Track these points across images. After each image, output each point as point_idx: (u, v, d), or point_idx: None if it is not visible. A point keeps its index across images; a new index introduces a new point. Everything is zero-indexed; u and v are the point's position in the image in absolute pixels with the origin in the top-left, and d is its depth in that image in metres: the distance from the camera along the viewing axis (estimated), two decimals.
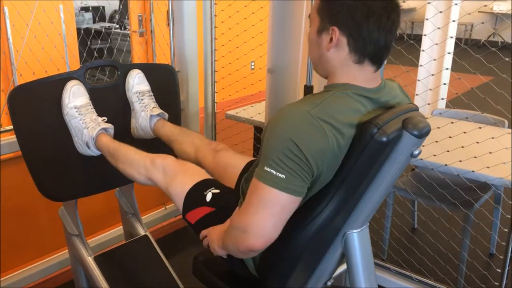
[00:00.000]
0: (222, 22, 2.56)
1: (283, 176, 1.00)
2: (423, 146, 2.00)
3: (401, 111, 1.11)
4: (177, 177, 1.39)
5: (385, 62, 1.18)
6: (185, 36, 2.48)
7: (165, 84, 1.94)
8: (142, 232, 2.05)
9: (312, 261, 1.22)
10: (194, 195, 1.35)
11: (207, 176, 1.41)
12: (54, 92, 1.62)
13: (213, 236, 1.25)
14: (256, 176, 1.04)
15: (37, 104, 1.61)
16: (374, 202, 1.17)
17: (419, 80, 2.92)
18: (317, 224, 1.11)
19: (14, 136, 2.03)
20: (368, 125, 1.04)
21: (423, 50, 3.10)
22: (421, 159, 1.99)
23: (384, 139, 1.03)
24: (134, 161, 1.48)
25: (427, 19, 3.09)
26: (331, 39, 1.08)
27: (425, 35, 2.98)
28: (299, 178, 1.00)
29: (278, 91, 2.04)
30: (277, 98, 2.05)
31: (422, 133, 1.06)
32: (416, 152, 1.10)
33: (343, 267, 1.34)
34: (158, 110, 1.77)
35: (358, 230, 1.18)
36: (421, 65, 2.90)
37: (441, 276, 2.18)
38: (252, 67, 4.39)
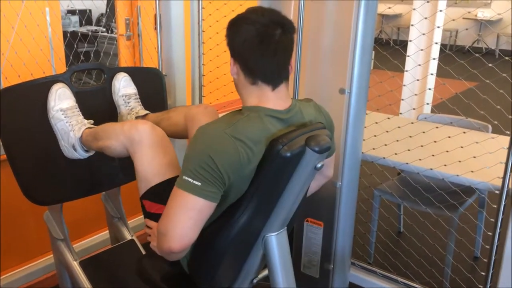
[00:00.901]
0: (210, 26, 2.56)
1: (199, 183, 1.14)
2: (408, 150, 2.03)
3: (307, 129, 1.26)
4: (149, 151, 1.40)
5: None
6: (172, 40, 2.48)
7: (152, 87, 1.94)
8: (128, 236, 2.04)
9: (238, 261, 1.37)
10: (161, 191, 1.37)
11: (177, 169, 1.43)
12: (39, 95, 1.60)
13: (155, 231, 1.32)
14: (176, 185, 1.17)
15: (22, 107, 1.59)
16: (288, 208, 1.33)
17: (404, 85, 2.95)
18: (237, 228, 1.25)
19: None
20: (275, 143, 1.19)
21: (408, 56, 3.14)
22: (407, 163, 2.01)
23: (288, 154, 1.18)
24: (113, 130, 1.50)
25: (412, 25, 3.12)
26: (232, 68, 1.27)
27: (410, 40, 3.01)
28: (213, 185, 1.15)
29: None
30: None
31: (322, 149, 1.22)
32: (319, 165, 1.27)
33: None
34: (144, 112, 1.77)
35: (276, 233, 1.34)
36: (406, 71, 2.93)
37: (426, 279, 2.20)
38: None
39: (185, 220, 1.15)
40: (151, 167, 1.40)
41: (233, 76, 1.29)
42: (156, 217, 1.34)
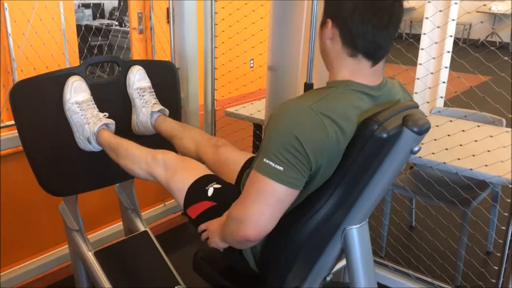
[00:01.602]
0: (223, 19, 2.56)
1: (281, 168, 1.02)
2: (422, 144, 2.02)
3: (402, 108, 1.12)
4: (178, 173, 1.39)
5: (384, 60, 1.19)
6: (185, 34, 2.49)
7: (166, 80, 1.94)
8: (142, 228, 2.06)
9: (312, 256, 1.23)
10: (196, 190, 1.35)
11: (208, 172, 1.42)
12: (55, 88, 1.62)
13: (213, 228, 1.26)
14: (255, 168, 1.06)
15: (38, 99, 1.61)
16: (374, 198, 1.18)
17: (418, 79, 2.93)
18: (317, 220, 1.12)
19: (15, 131, 2.04)
20: (368, 122, 1.05)
21: (422, 49, 3.11)
22: (420, 157, 2.00)
23: (385, 135, 1.03)
24: (135, 157, 1.49)
25: (426, 18, 3.10)
26: (327, 31, 1.12)
27: (424, 33, 2.99)
28: (297, 171, 1.02)
29: (278, 89, 2.05)
30: (277, 95, 2.06)
31: (422, 130, 1.07)
32: (416, 148, 1.11)
33: (343, 262, 1.35)
34: (159, 107, 1.78)
35: (358, 226, 1.19)
36: (420, 64, 2.91)
37: (438, 273, 2.20)
38: (251, 65, 4.40)
39: (264, 207, 1.04)
40: (182, 182, 1.38)
41: (324, 41, 1.13)
42: (204, 217, 1.31)
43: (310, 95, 1.10)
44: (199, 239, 1.32)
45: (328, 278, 1.35)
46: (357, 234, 1.19)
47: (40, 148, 1.63)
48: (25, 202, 2.19)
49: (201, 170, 1.41)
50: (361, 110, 1.09)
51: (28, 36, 2.08)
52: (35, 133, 1.61)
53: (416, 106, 1.20)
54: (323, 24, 1.14)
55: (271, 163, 1.02)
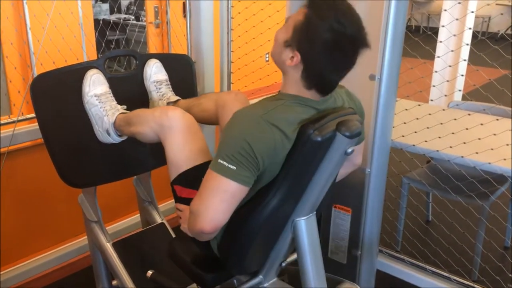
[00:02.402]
0: (239, 13, 2.56)
1: (234, 167, 1.15)
2: (439, 137, 2.01)
3: (338, 114, 1.27)
4: (179, 137, 1.42)
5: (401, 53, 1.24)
6: (201, 27, 2.50)
7: (182, 74, 1.96)
8: (158, 220, 2.08)
9: (267, 244, 1.40)
10: (191, 176, 1.40)
11: (210, 158, 1.44)
12: (74, 81, 1.65)
13: (186, 215, 1.34)
14: (211, 167, 1.19)
15: (58, 92, 1.64)
16: (317, 193, 1.34)
17: (436, 72, 2.90)
18: (267, 211, 1.26)
19: (34, 124, 2.08)
20: (306, 126, 1.19)
21: (440, 42, 3.08)
22: (438, 150, 1.99)
23: (319, 139, 1.19)
24: (145, 116, 1.52)
25: (445, 10, 3.06)
26: (291, 59, 1.21)
27: (442, 26, 2.96)
28: (247, 170, 1.16)
29: None
30: None
31: (353, 134, 1.22)
32: (349, 150, 1.26)
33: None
34: (175, 98, 1.79)
35: (305, 217, 1.36)
36: (438, 57, 2.88)
37: (455, 268, 2.18)
38: (267, 58, 4.39)
39: (218, 202, 1.17)
40: (181, 153, 1.42)
41: (283, 58, 1.23)
42: (186, 201, 1.36)
43: (262, 104, 1.23)
44: None
45: (284, 264, 1.51)
46: (304, 225, 1.36)
47: (60, 140, 1.66)
48: (45, 194, 2.23)
49: (203, 153, 1.43)
50: (304, 119, 1.22)
51: (47, 30, 2.11)
52: (55, 126, 1.64)
53: (353, 112, 1.33)
54: (287, 45, 1.21)
55: (225, 163, 1.16)
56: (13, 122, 2.00)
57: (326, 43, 1.15)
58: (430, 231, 2.52)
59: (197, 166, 1.40)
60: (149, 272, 1.45)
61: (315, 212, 1.40)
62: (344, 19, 1.15)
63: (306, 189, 1.30)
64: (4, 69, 2.33)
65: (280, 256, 1.45)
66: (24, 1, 2.05)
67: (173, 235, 2.03)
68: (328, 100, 1.29)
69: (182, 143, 1.42)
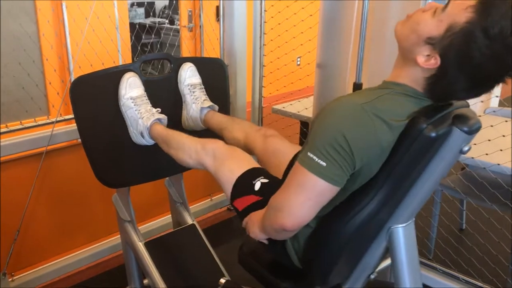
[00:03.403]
0: (272, 17, 2.58)
1: (324, 164, 1.02)
2: (474, 144, 1.96)
3: (451, 107, 1.10)
4: (226, 162, 1.41)
5: None
6: (234, 31, 2.52)
7: (216, 77, 1.98)
8: (189, 221, 2.11)
9: (356, 254, 1.23)
10: (243, 183, 1.37)
11: (256, 165, 1.44)
12: (111, 83, 1.69)
13: (254, 218, 1.29)
14: (299, 160, 1.07)
15: (96, 94, 1.68)
16: (421, 197, 1.16)
17: None
18: (361, 218, 1.12)
19: (71, 125, 2.14)
20: (417, 121, 1.03)
21: None
22: (473, 158, 1.95)
23: (433, 134, 1.02)
24: (185, 146, 1.52)
25: None
26: (428, 58, 1.04)
27: None
28: (339, 168, 1.02)
29: (327, 87, 2.04)
30: (325, 93, 2.06)
31: (472, 130, 1.06)
32: (466, 148, 1.09)
33: (387, 261, 1.34)
34: (209, 103, 1.81)
35: (404, 225, 1.18)
36: None
37: (489, 277, 2.13)
38: (298, 62, 4.39)
39: (303, 200, 1.06)
40: (230, 172, 1.39)
41: (412, 48, 1.05)
42: (250, 210, 1.33)
43: (364, 93, 1.09)
44: (244, 233, 1.34)
45: (372, 277, 1.34)
46: (402, 233, 1.18)
47: (97, 141, 1.70)
48: (81, 193, 2.29)
49: (249, 162, 1.42)
50: (413, 112, 1.07)
51: (85, 34, 2.17)
52: (92, 127, 1.68)
53: (466, 105, 1.17)
54: (428, 43, 1.03)
55: (315, 157, 1.03)
56: (52, 123, 2.06)
57: (481, 70, 0.99)
58: (464, 240, 2.46)
59: (243, 173, 1.38)
60: (222, 281, 1.42)
61: (414, 219, 1.24)
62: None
63: (409, 192, 1.13)
64: (43, 71, 2.41)
65: (369, 267, 1.29)
66: (64, 6, 2.12)
67: (204, 237, 2.05)
68: None
69: (230, 165, 1.40)
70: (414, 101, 1.08)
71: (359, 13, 1.85)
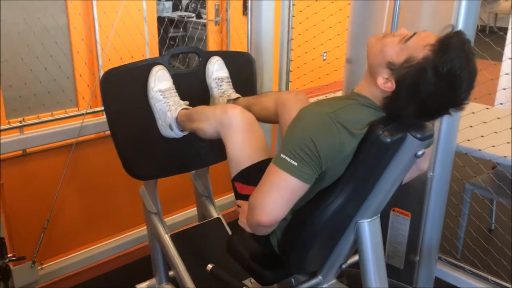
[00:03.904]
0: (300, 11, 2.56)
1: (295, 163, 1.15)
2: (507, 143, 1.91)
3: None
4: (239, 136, 1.42)
5: None
6: (262, 25, 2.51)
7: (243, 71, 1.98)
8: (215, 214, 2.12)
9: (328, 244, 1.39)
10: (251, 173, 1.40)
11: (269, 155, 1.45)
12: (141, 76, 1.70)
13: (244, 209, 1.35)
14: (273, 161, 1.20)
15: (125, 87, 1.70)
16: (383, 195, 1.30)
17: (507, 74, 2.77)
18: (330, 211, 1.25)
19: (100, 117, 2.17)
20: (375, 127, 1.16)
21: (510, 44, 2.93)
22: (505, 156, 1.90)
23: (388, 140, 1.15)
24: (205, 113, 1.54)
25: None
26: (386, 81, 1.16)
27: None
28: (309, 167, 1.15)
29: (356, 81, 2.00)
30: (355, 87, 2.03)
31: (425, 136, 1.18)
32: (420, 153, 1.22)
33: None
34: (236, 95, 1.81)
35: (369, 220, 1.32)
36: (510, 58, 2.75)
37: None
38: (324, 57, 4.35)
39: (276, 197, 1.18)
40: (241, 151, 1.42)
41: (375, 68, 1.18)
42: (246, 197, 1.36)
43: (331, 102, 1.23)
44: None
45: (344, 266, 1.49)
46: (368, 227, 1.32)
47: (126, 134, 1.72)
48: (108, 185, 2.33)
49: (264, 152, 1.44)
50: (372, 120, 1.19)
51: (115, 27, 2.19)
52: (121, 119, 1.70)
53: None
54: (388, 68, 1.15)
55: (287, 158, 1.15)
56: (82, 114, 2.10)
57: (427, 102, 1.12)
58: (493, 240, 2.40)
59: (256, 163, 1.41)
60: (209, 266, 1.47)
61: (379, 215, 1.37)
62: (465, 84, 1.09)
63: (372, 191, 1.27)
64: (74, 64, 2.45)
65: (340, 258, 1.43)
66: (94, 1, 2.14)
67: (229, 230, 2.06)
68: None
69: (242, 141, 1.43)
70: (375, 112, 1.21)
71: (390, 13, 1.82)
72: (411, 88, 1.12)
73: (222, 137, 1.47)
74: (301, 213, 1.26)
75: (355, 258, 1.46)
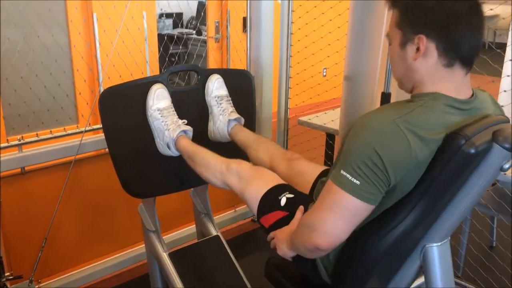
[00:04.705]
0: (299, 28, 2.57)
1: (358, 182, 1.00)
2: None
3: (491, 122, 1.07)
4: (252, 182, 1.41)
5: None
6: (261, 42, 2.52)
7: (242, 88, 1.98)
8: (214, 232, 2.10)
9: (388, 272, 1.20)
10: (269, 200, 1.37)
11: (281, 181, 1.43)
12: (140, 95, 1.70)
13: (281, 236, 1.27)
14: (332, 178, 1.05)
15: (124, 105, 1.70)
16: (457, 216, 1.13)
17: (505, 91, 2.77)
18: (395, 235, 1.09)
19: (99, 134, 2.17)
20: (455, 136, 1.00)
21: (510, 60, 2.93)
22: (505, 173, 1.89)
23: (472, 151, 0.99)
24: (210, 165, 1.53)
25: None
26: (417, 49, 1.07)
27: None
28: (374, 186, 1.00)
29: (355, 98, 2.02)
30: (353, 105, 2.03)
31: None
32: (507, 166, 1.06)
33: (421, 280, 1.31)
34: (236, 115, 1.81)
35: (439, 244, 1.15)
36: (508, 76, 2.75)
37: None
38: (324, 73, 4.38)
39: (337, 218, 1.04)
40: (255, 191, 1.40)
41: (410, 61, 1.09)
42: (276, 226, 1.33)
43: (395, 107, 1.06)
44: (269, 246, 1.33)
45: None
46: (437, 252, 1.15)
47: (124, 152, 1.71)
48: (107, 202, 2.31)
49: (274, 180, 1.42)
50: (449, 124, 1.04)
51: (115, 45, 2.20)
52: (119, 137, 1.70)
53: (507, 120, 1.14)
54: (405, 42, 1.09)
55: (348, 175, 1.01)
56: (81, 132, 2.10)
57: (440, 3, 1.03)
58: (495, 258, 2.38)
59: (268, 190, 1.38)
60: None
61: (449, 238, 1.20)
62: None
63: (446, 210, 1.10)
64: (74, 81, 2.46)
65: (402, 286, 1.26)
66: (94, 17, 2.16)
67: (228, 249, 2.04)
68: (474, 100, 1.11)
69: (255, 185, 1.41)
70: (446, 108, 1.06)
71: (388, 24, 1.83)
72: (425, 9, 1.05)
73: (233, 190, 1.46)
74: (361, 236, 1.09)
75: (415, 284, 1.32)
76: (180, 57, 4.86)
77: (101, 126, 1.70)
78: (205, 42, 3.94)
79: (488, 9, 2.26)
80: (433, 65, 1.07)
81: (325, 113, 2.66)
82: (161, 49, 2.58)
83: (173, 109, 1.73)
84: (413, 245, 1.15)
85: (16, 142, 1.96)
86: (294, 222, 1.26)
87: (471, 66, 1.09)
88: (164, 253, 1.91)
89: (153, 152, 1.74)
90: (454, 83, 1.08)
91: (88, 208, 2.27)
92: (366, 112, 1.07)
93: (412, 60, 1.08)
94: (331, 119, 2.52)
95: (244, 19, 2.63)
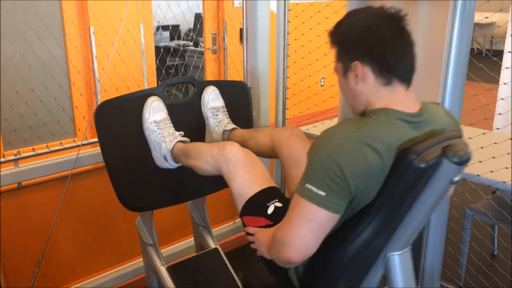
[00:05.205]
0: (295, 39, 2.58)
1: (323, 193, 1.06)
2: (506, 168, 1.90)
3: (443, 138, 1.14)
4: (240, 171, 1.42)
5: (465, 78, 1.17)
6: (258, 53, 2.53)
7: (239, 100, 1.98)
8: (212, 245, 2.09)
9: (355, 279, 1.26)
10: (257, 203, 1.38)
11: (271, 181, 1.44)
12: (136, 108, 1.70)
13: (262, 239, 1.30)
14: (298, 192, 1.10)
15: (120, 118, 1.70)
16: (415, 225, 1.20)
17: (502, 99, 2.77)
18: (358, 243, 1.16)
19: (96, 148, 2.16)
20: (407, 152, 1.08)
21: (507, 68, 2.94)
22: (504, 182, 1.88)
23: (423, 165, 1.06)
24: (203, 152, 1.53)
25: (510, 36, 2.94)
26: (356, 75, 1.17)
27: (509, 52, 2.83)
28: (338, 196, 1.06)
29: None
30: (350, 115, 2.02)
31: (463, 161, 1.08)
32: (456, 179, 1.12)
33: None
34: (232, 126, 1.81)
35: (400, 252, 1.22)
36: (505, 83, 2.76)
37: None
38: (322, 83, 4.39)
39: (306, 231, 1.08)
40: (243, 185, 1.41)
41: (353, 86, 1.18)
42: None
43: (351, 122, 1.13)
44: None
45: None
46: (398, 260, 1.21)
47: (120, 165, 1.71)
48: (105, 216, 2.30)
49: (265, 180, 1.42)
50: (401, 138, 1.11)
51: (111, 59, 2.20)
52: (116, 151, 1.69)
53: (459, 136, 1.21)
54: (346, 72, 1.19)
55: (313, 188, 1.06)
56: (77, 146, 2.09)
57: (367, 29, 1.15)
58: (496, 266, 2.37)
59: (259, 192, 1.39)
60: None
61: (410, 247, 1.26)
62: (371, 12, 1.18)
63: (403, 220, 1.16)
64: (71, 95, 2.45)
65: None
66: (91, 31, 2.17)
67: (227, 261, 2.02)
68: (423, 113, 1.17)
69: (243, 175, 1.42)
70: (397, 122, 1.12)
71: None
72: (352, 39, 1.17)
73: (223, 175, 1.46)
74: (326, 246, 1.14)
75: None
76: (177, 68, 4.87)
77: (97, 139, 1.69)
78: (202, 53, 3.94)
79: (483, 17, 2.27)
80: (373, 86, 1.16)
81: (323, 123, 2.66)
82: (158, 61, 2.58)
83: (169, 121, 1.73)
84: (376, 254, 1.21)
85: (13, 157, 1.95)
86: (274, 229, 1.26)
87: (410, 81, 1.17)
88: (162, 267, 1.89)
89: (150, 165, 1.73)
90: (398, 98, 1.15)
91: (86, 222, 2.26)
92: (327, 128, 1.14)
93: (355, 85, 1.18)
94: None
95: (241, 30, 2.64)
